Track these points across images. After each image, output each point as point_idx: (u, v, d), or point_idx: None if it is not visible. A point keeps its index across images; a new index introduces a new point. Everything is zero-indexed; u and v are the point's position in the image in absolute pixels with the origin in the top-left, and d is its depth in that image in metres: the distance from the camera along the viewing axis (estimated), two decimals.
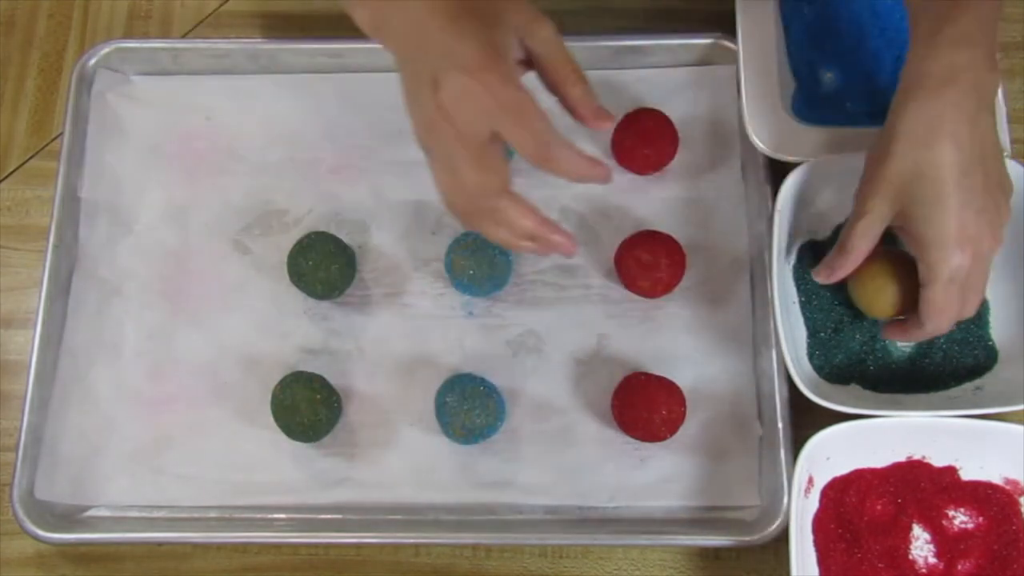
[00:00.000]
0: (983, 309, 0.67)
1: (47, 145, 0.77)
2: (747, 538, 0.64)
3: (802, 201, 0.67)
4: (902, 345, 0.67)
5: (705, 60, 0.74)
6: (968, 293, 0.57)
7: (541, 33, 0.54)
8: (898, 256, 0.62)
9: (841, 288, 0.67)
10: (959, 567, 0.63)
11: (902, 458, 0.64)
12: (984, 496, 0.64)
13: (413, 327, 0.70)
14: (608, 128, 0.57)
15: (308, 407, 0.64)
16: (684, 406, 0.64)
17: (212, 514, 0.67)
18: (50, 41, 0.79)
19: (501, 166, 0.53)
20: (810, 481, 0.63)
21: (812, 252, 0.68)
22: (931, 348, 0.67)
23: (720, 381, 0.68)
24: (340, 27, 0.78)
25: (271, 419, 0.65)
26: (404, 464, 0.67)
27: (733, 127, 0.73)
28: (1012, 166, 0.65)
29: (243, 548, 0.67)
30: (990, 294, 0.68)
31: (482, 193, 0.53)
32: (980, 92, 0.55)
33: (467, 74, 0.50)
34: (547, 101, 0.60)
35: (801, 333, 0.67)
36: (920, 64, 0.56)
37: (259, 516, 0.67)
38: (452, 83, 0.50)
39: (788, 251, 0.68)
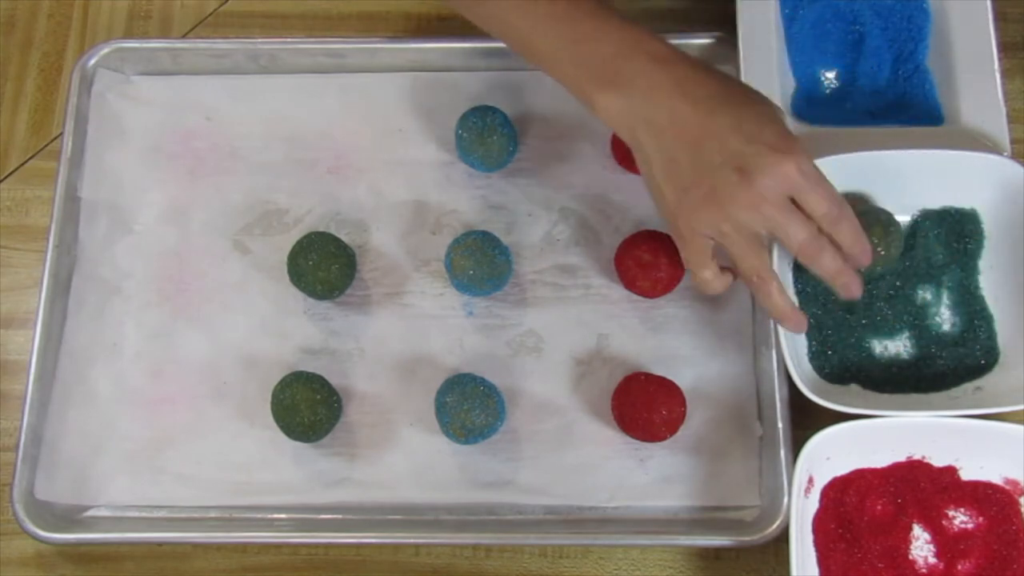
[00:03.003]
0: (987, 314, 0.67)
1: (47, 145, 0.77)
2: (747, 538, 0.64)
3: None
4: (903, 346, 0.67)
5: (705, 60, 0.73)
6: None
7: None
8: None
9: None
10: (959, 567, 0.63)
11: (902, 458, 0.64)
12: (984, 496, 0.64)
13: (413, 327, 0.70)
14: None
15: (308, 407, 0.64)
16: (684, 406, 0.64)
17: (212, 514, 0.67)
18: (50, 41, 0.79)
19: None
20: (810, 481, 0.63)
21: None
22: (932, 348, 0.67)
23: (720, 381, 0.68)
24: (340, 27, 0.79)
25: (271, 419, 0.65)
26: (404, 464, 0.67)
27: None
28: (1011, 166, 0.65)
29: (243, 548, 0.67)
30: (991, 295, 0.68)
31: (762, 267, 0.57)
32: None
33: (781, 152, 0.53)
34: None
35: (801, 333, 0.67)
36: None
37: (259, 516, 0.67)
38: (769, 163, 0.53)
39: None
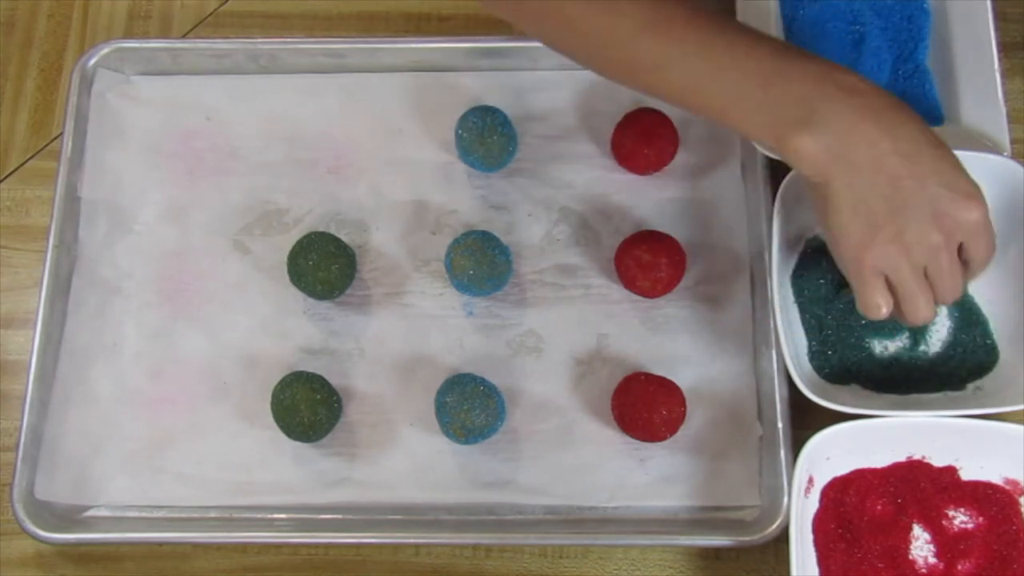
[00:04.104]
0: (987, 314, 0.67)
1: (47, 145, 0.77)
2: (747, 538, 0.64)
3: (802, 201, 0.67)
4: (903, 346, 0.67)
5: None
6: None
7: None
8: None
9: (841, 287, 0.67)
10: (959, 567, 0.63)
11: (902, 458, 0.64)
12: (984, 496, 0.64)
13: (413, 327, 0.70)
14: None
15: (308, 407, 0.64)
16: (684, 406, 0.64)
17: (212, 514, 0.67)
18: (50, 41, 0.79)
19: None
20: (810, 481, 0.63)
21: (812, 252, 0.68)
22: (932, 349, 0.67)
23: (720, 381, 0.68)
24: (340, 27, 0.79)
25: (271, 419, 0.65)
26: (404, 464, 0.67)
27: None
28: (1011, 166, 0.65)
29: (243, 548, 0.67)
30: (991, 294, 0.68)
31: (930, 315, 0.57)
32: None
33: (974, 200, 0.54)
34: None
35: (801, 333, 0.67)
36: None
37: (259, 516, 0.67)
38: (962, 210, 0.53)
39: (788, 251, 0.68)
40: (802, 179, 0.56)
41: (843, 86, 0.53)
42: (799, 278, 0.68)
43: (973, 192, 0.54)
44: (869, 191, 0.53)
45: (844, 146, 0.53)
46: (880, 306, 0.56)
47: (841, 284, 0.67)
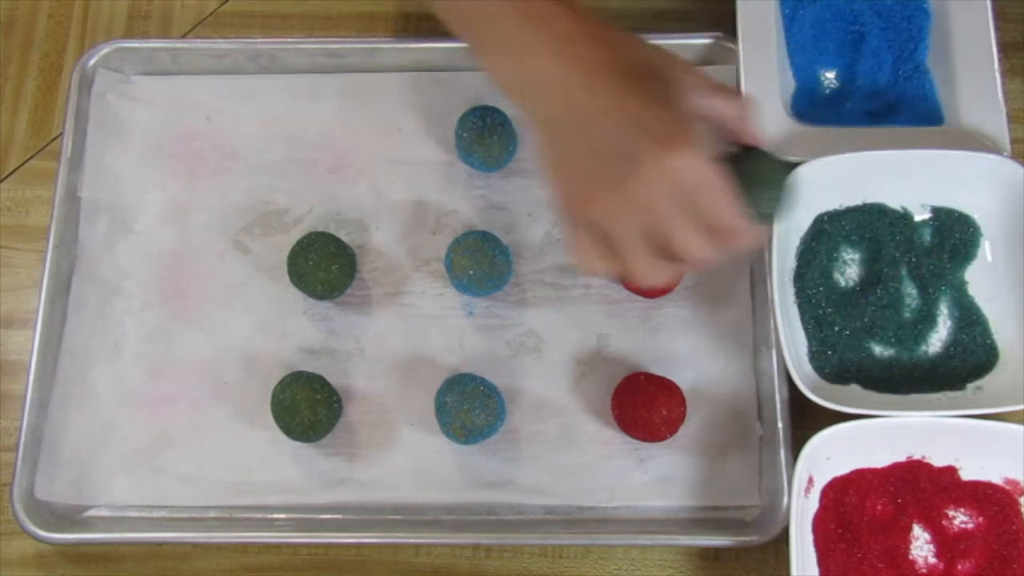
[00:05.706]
0: (986, 314, 0.67)
1: (47, 145, 0.77)
2: (747, 538, 0.64)
3: (803, 199, 0.67)
4: (903, 346, 0.67)
5: (705, 60, 0.74)
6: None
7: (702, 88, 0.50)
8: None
9: (841, 286, 0.67)
10: (959, 567, 0.63)
11: (902, 458, 0.64)
12: (984, 496, 0.64)
13: (413, 327, 0.70)
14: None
15: (308, 407, 0.64)
16: (684, 406, 0.64)
17: (212, 514, 0.67)
18: (50, 41, 0.79)
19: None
20: (810, 481, 0.63)
21: (812, 250, 0.68)
22: (931, 349, 0.67)
23: (720, 381, 0.68)
24: (340, 27, 0.79)
25: (271, 419, 0.65)
26: (404, 464, 0.67)
27: None
28: (1011, 166, 0.66)
29: (243, 548, 0.67)
30: (991, 294, 0.68)
31: (656, 271, 0.51)
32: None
33: (664, 148, 0.47)
34: None
35: (801, 333, 0.67)
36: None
37: (259, 516, 0.67)
38: (648, 155, 0.47)
39: (788, 251, 0.68)
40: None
41: (533, 14, 0.49)
42: (799, 278, 0.68)
43: (676, 133, 0.47)
44: (571, 133, 0.49)
45: (530, 75, 0.49)
46: (589, 262, 0.51)
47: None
